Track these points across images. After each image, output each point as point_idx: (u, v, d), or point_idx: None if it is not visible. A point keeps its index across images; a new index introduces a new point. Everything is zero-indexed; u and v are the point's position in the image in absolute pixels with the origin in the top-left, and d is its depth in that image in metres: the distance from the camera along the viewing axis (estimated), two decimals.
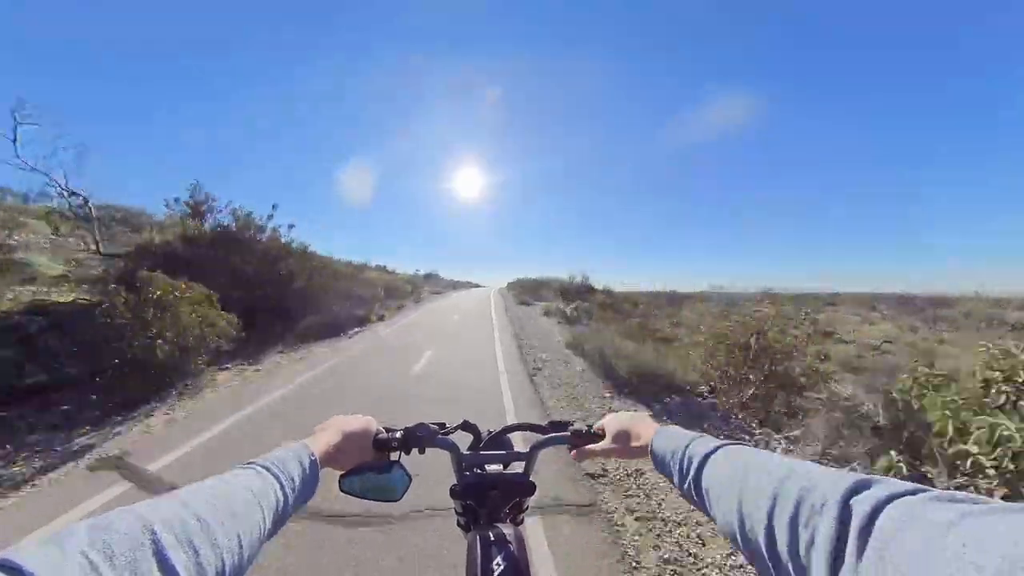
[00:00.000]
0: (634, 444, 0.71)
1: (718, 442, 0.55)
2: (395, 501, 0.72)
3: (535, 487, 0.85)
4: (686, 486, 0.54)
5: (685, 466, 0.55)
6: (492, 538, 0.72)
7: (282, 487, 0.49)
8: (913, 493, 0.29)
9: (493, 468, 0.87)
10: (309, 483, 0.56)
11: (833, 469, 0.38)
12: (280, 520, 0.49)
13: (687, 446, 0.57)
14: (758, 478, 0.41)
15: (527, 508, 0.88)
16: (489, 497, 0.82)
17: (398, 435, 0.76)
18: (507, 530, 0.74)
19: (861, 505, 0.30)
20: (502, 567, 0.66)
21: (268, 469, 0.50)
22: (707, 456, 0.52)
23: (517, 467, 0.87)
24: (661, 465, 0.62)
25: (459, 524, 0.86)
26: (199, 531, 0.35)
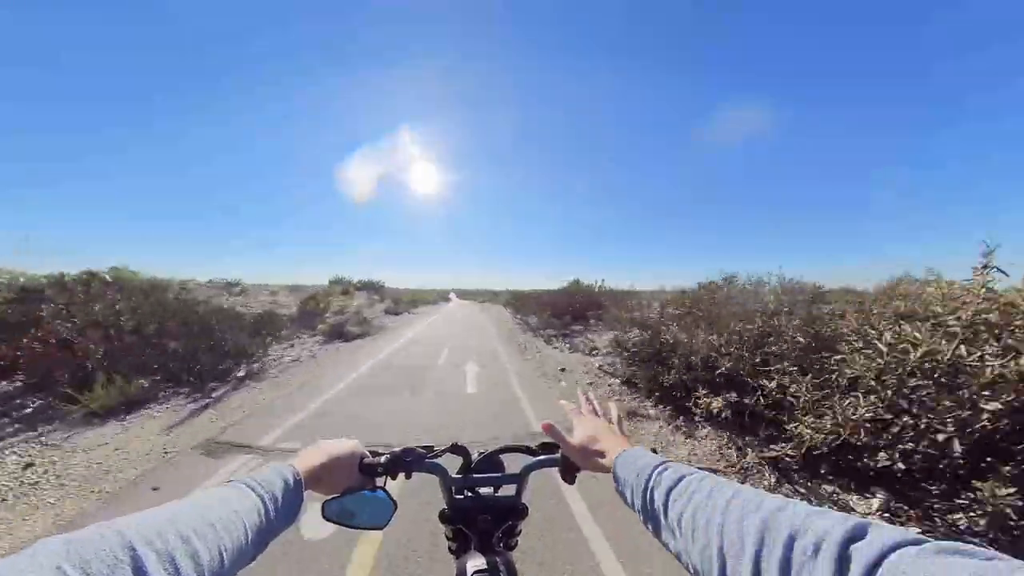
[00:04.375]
0: (597, 459, 0.66)
1: (689, 469, 0.50)
2: (380, 529, 0.69)
3: (527, 510, 0.82)
4: (651, 516, 0.50)
5: (650, 494, 0.50)
6: (484, 565, 0.70)
7: (265, 506, 0.49)
8: (915, 543, 0.27)
9: (484, 491, 0.84)
10: (293, 502, 0.55)
11: (826, 509, 0.35)
12: (263, 541, 0.48)
13: (652, 472, 0.52)
14: (742, 514, 0.38)
15: (520, 532, 0.85)
16: (480, 521, 0.80)
17: (384, 460, 0.74)
18: (498, 557, 0.72)
19: (861, 553, 0.27)
20: None
21: (252, 488, 0.50)
22: (676, 483, 0.48)
23: (509, 490, 0.84)
24: (623, 489, 0.57)
25: (450, 550, 0.83)
26: (181, 548, 0.34)
